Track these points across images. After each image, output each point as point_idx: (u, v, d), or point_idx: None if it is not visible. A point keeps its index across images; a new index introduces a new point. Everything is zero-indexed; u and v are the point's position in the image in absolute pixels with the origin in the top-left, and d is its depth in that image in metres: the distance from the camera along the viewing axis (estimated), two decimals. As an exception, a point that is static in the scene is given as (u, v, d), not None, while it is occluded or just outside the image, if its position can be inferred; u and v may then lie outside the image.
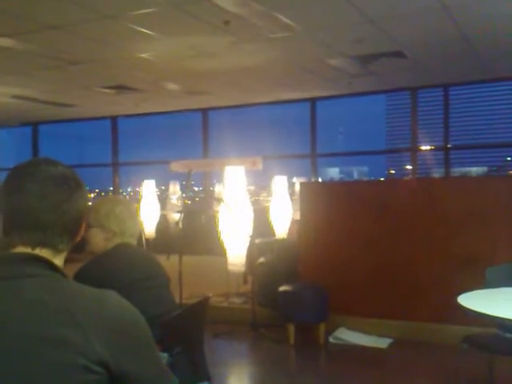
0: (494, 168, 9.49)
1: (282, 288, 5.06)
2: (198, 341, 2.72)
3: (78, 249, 1.93)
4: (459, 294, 2.85)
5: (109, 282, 2.26)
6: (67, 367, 1.07)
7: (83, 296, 1.17)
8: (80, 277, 2.33)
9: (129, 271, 2.39)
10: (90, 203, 2.51)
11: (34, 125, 12.20)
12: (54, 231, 1.22)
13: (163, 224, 9.64)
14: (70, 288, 1.19)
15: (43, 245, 1.21)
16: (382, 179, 9.62)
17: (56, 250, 1.24)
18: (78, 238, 1.31)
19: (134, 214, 2.62)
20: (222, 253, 6.02)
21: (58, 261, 1.24)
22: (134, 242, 2.58)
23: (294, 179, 9.90)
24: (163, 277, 2.57)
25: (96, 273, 2.37)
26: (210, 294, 2.91)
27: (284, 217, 7.80)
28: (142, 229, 9.06)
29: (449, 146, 8.85)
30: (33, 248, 1.20)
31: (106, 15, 5.15)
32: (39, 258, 1.20)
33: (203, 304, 2.70)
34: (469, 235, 4.80)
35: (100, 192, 14.59)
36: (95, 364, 1.09)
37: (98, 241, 2.51)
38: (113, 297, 1.20)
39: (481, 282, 3.31)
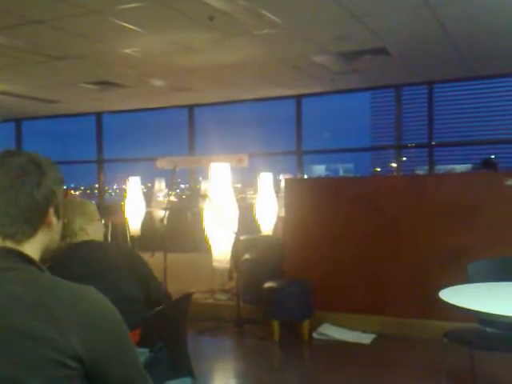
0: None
1: (267, 284, 5.07)
2: (181, 337, 2.72)
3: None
4: (441, 289, 2.87)
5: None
6: (41, 362, 1.06)
7: (60, 290, 1.15)
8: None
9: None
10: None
11: (18, 121, 12.08)
12: (3, 220, 1.18)
13: (148, 221, 9.61)
14: (46, 282, 1.17)
15: (4, 236, 1.18)
16: (368, 176, 9.67)
17: (16, 240, 1.20)
18: (51, 227, 1.26)
19: (78, 209, 2.62)
20: (207, 250, 6.02)
21: (29, 251, 1.21)
22: (83, 236, 2.61)
23: (280, 176, 9.91)
24: (117, 270, 2.56)
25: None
26: (193, 290, 2.90)
27: (269, 213, 7.81)
28: (127, 226, 9.04)
29: (433, 143, 8.92)
30: None
31: (91, 10, 5.11)
32: (12, 250, 1.18)
33: (186, 300, 2.69)
34: (451, 231, 4.84)
35: (85, 189, 14.49)
36: (70, 359, 1.08)
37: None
38: (90, 292, 1.18)
39: (463, 277, 3.34)
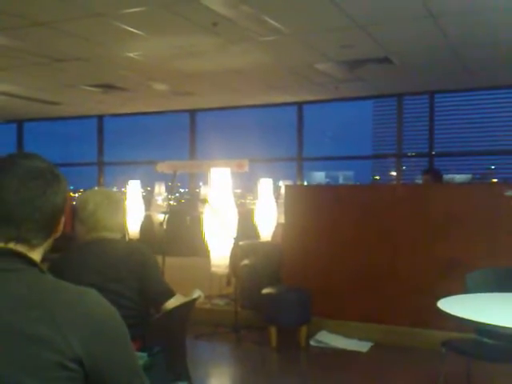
0: (478, 176, 9.58)
1: (265, 290, 5.07)
2: (181, 341, 2.71)
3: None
4: (439, 298, 2.88)
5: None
6: (42, 363, 1.06)
7: (61, 292, 1.16)
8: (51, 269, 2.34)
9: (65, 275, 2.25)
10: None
11: (19, 122, 12.10)
12: (27, 226, 1.20)
13: (148, 224, 9.59)
14: (48, 283, 1.17)
15: (17, 240, 1.19)
16: (368, 184, 9.67)
17: (30, 246, 1.21)
18: (57, 234, 1.29)
19: (113, 206, 2.53)
20: (205, 254, 6.01)
21: (35, 255, 1.22)
22: (111, 234, 2.51)
23: (280, 182, 9.90)
24: (118, 283, 2.41)
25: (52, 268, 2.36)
26: (199, 294, 2.78)
27: (269, 219, 7.80)
28: (126, 229, 9.02)
29: (433, 152, 8.92)
30: (6, 243, 1.19)
31: (94, 13, 5.12)
32: (15, 252, 1.18)
33: (190, 304, 2.67)
34: (450, 241, 4.84)
35: (84, 190, 14.46)
36: (70, 361, 1.08)
37: (81, 234, 2.51)
38: (91, 294, 1.19)
39: (461, 287, 3.34)
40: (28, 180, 1.20)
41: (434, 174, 6.70)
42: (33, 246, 1.22)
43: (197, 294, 2.67)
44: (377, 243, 5.13)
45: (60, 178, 1.27)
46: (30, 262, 1.19)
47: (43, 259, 1.26)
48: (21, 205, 1.19)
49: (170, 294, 2.53)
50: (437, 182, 6.52)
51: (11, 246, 1.19)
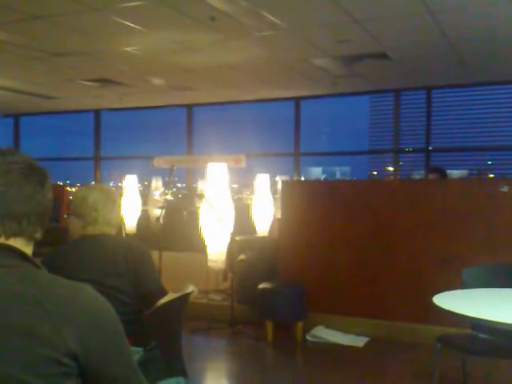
0: (475, 171, 9.59)
1: (262, 285, 5.07)
2: (176, 336, 2.71)
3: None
4: (435, 294, 2.88)
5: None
6: (37, 359, 1.06)
7: (55, 287, 1.16)
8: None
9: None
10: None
11: (16, 116, 12.06)
12: (29, 221, 1.22)
13: (144, 220, 9.59)
14: (42, 279, 1.17)
15: (18, 234, 1.21)
16: (364, 179, 9.68)
17: (31, 240, 1.24)
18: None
19: (112, 202, 2.56)
20: (202, 249, 6.01)
21: (29, 250, 1.24)
22: (109, 230, 2.54)
23: (277, 178, 9.90)
24: (109, 283, 2.37)
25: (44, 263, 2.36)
26: (192, 289, 2.79)
27: (266, 215, 7.81)
28: (123, 224, 9.01)
29: (430, 148, 8.94)
30: (7, 238, 1.20)
31: (92, 7, 5.11)
32: (9, 247, 1.19)
33: (183, 299, 2.67)
34: (446, 236, 4.85)
35: (81, 186, 14.45)
36: (65, 356, 1.08)
37: (75, 229, 2.51)
38: (86, 290, 1.19)
39: (457, 283, 3.35)
40: (27, 176, 1.22)
41: (440, 173, 6.62)
42: (32, 240, 1.25)
43: (190, 289, 2.68)
44: (373, 238, 5.13)
45: (48, 173, 1.30)
46: (25, 258, 1.19)
47: (34, 253, 1.28)
48: (24, 201, 1.21)
49: (163, 293, 2.53)
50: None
51: (11, 241, 1.20)
